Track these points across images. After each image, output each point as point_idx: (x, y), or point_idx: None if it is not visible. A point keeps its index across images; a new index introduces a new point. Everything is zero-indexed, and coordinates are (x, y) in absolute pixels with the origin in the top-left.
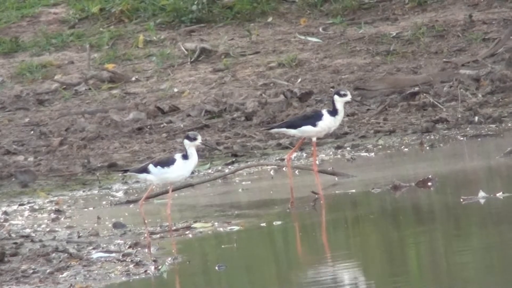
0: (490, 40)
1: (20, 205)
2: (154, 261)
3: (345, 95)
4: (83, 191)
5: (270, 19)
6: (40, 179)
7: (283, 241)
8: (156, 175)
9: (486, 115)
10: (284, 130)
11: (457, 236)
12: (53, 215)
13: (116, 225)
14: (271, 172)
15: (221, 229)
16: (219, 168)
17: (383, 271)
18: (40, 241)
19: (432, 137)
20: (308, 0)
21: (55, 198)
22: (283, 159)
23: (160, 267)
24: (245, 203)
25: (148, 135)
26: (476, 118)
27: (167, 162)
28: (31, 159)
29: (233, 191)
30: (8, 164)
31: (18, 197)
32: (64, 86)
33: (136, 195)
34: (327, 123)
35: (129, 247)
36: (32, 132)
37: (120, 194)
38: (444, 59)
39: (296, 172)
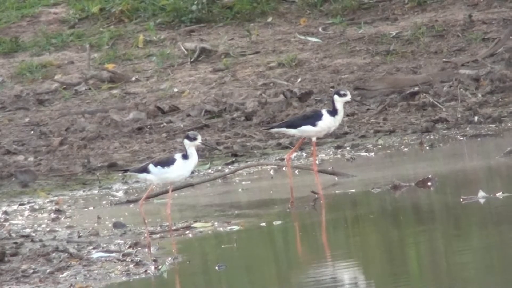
0: (489, 40)
1: (20, 205)
2: (154, 261)
3: (345, 95)
4: (83, 191)
5: (270, 19)
6: (40, 179)
7: (283, 241)
8: (156, 175)
9: (486, 115)
10: (284, 130)
11: (457, 236)
12: (53, 215)
13: (116, 225)
14: (271, 172)
15: (221, 229)
16: (219, 168)
17: (383, 271)
18: (40, 241)
19: (432, 137)
20: (308, 0)
21: (55, 198)
22: (283, 159)
23: (160, 267)
24: (245, 203)
25: (148, 135)
26: (476, 118)
27: (167, 162)
28: (31, 159)
29: (233, 191)
30: (8, 164)
31: (18, 197)
32: (64, 86)
33: (136, 195)
34: (327, 123)
35: (129, 247)
36: (32, 132)
37: (120, 194)
38: (444, 59)
39: (296, 172)
